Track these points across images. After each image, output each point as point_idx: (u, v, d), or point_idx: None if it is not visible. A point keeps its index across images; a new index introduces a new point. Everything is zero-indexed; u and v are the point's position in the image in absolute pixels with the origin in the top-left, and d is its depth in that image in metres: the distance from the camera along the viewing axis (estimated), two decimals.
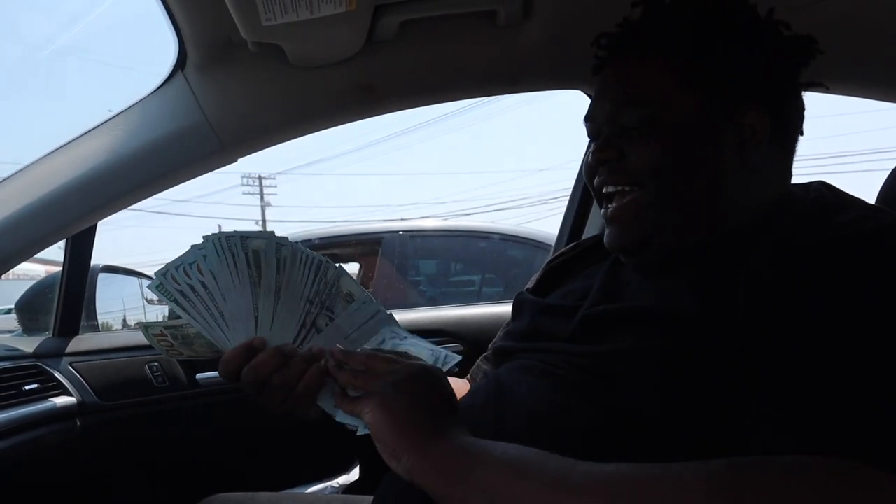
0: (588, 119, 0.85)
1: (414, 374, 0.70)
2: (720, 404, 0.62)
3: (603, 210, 0.82)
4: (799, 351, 0.58)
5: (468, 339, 1.68)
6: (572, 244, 1.03)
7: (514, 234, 3.51)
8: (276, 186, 29.42)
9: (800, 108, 0.81)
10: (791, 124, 0.80)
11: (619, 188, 0.78)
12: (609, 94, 0.80)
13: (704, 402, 0.62)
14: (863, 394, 0.54)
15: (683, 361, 0.64)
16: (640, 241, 0.78)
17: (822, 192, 0.74)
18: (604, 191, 0.80)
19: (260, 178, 27.80)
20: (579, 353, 0.73)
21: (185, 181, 1.23)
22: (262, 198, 27.63)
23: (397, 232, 3.54)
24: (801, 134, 0.81)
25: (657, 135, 0.75)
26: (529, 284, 1.01)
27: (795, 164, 0.83)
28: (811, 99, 0.85)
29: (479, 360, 1.00)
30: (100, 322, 1.75)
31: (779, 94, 0.78)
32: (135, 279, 2.07)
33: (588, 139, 0.87)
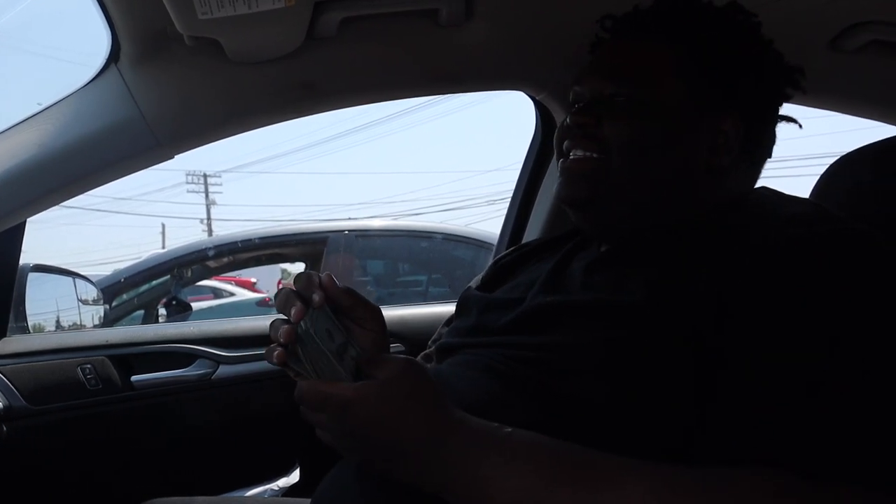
0: (576, 83, 0.88)
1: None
2: (665, 398, 0.63)
3: (562, 163, 0.85)
4: (760, 355, 0.59)
5: (409, 338, 1.66)
6: (522, 244, 1.05)
7: (458, 233, 3.53)
8: (221, 185, 28.93)
9: (772, 133, 0.86)
10: (762, 144, 0.84)
11: (587, 154, 0.81)
12: (601, 66, 0.84)
13: (649, 395, 0.64)
14: (820, 407, 0.55)
15: (628, 354, 0.66)
16: (588, 198, 0.81)
17: (766, 193, 0.79)
18: (571, 154, 0.83)
19: (205, 175, 27.22)
20: (522, 346, 0.74)
21: (119, 178, 1.19)
22: (207, 196, 27.06)
23: (343, 231, 3.52)
24: (770, 157, 0.86)
25: (636, 111, 0.79)
26: (474, 282, 1.01)
27: None
28: None
29: (418, 358, 1.00)
30: (30, 324, 1.68)
31: (760, 112, 0.83)
32: (69, 279, 2.00)
33: (569, 105, 0.88)
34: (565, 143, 0.84)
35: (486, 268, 1.03)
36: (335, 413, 0.60)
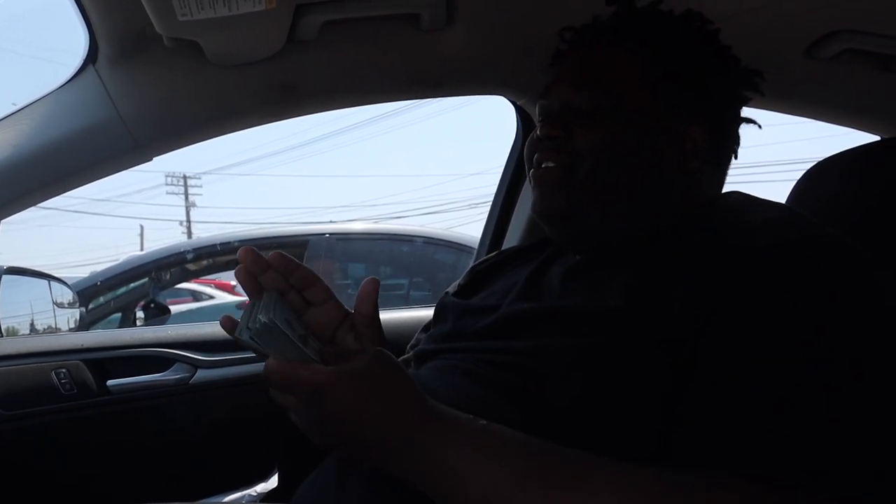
0: (542, 97, 0.88)
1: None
2: (642, 402, 0.63)
3: (533, 173, 0.84)
4: (737, 362, 0.59)
5: (390, 342, 1.64)
6: (499, 251, 1.05)
7: (439, 237, 3.53)
8: (201, 187, 28.62)
9: (735, 136, 0.87)
10: (726, 148, 0.86)
11: (556, 165, 0.80)
12: (568, 75, 0.84)
13: (626, 399, 0.64)
14: (798, 416, 0.55)
15: (606, 358, 0.66)
16: (566, 210, 0.80)
17: (739, 198, 0.79)
18: (542, 166, 0.82)
19: (185, 177, 27.01)
20: (500, 351, 0.74)
21: (96, 180, 1.18)
22: (186, 198, 26.85)
23: (324, 235, 3.51)
24: (736, 158, 0.88)
25: (607, 119, 0.79)
26: (451, 288, 1.01)
27: None
28: None
29: None
30: (3, 327, 1.66)
31: (723, 115, 0.84)
32: (44, 281, 1.98)
33: (537, 118, 0.89)
34: (536, 155, 0.84)
35: (463, 275, 1.03)
36: (306, 397, 0.60)
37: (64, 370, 1.43)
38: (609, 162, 0.79)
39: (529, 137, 0.87)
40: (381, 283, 0.80)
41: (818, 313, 0.59)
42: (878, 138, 1.43)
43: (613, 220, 0.81)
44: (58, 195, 1.17)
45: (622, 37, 0.83)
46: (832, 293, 0.60)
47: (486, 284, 0.96)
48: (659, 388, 0.63)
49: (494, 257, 1.03)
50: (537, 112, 0.88)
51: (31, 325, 1.97)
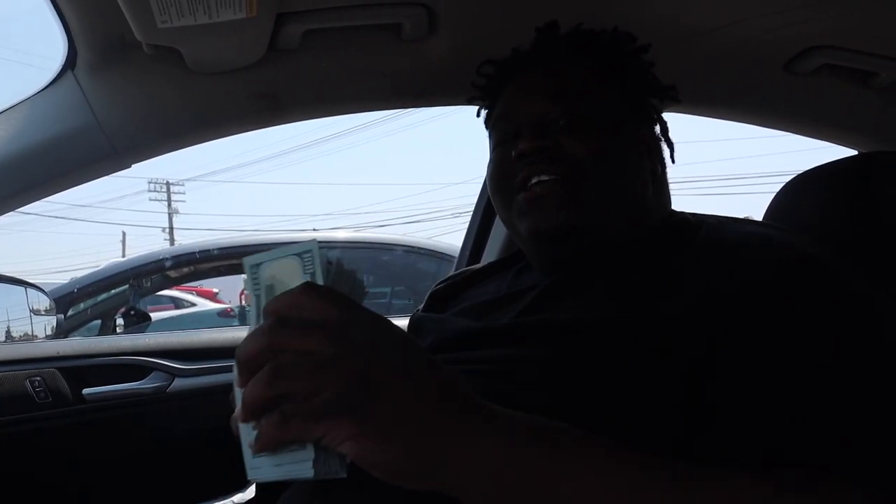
0: (503, 118, 0.87)
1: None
2: (633, 409, 0.63)
3: (525, 195, 0.80)
4: (748, 365, 0.59)
5: None
6: (458, 271, 1.06)
7: (420, 246, 3.53)
8: (184, 193, 28.56)
9: (669, 141, 0.91)
10: (662, 153, 0.89)
11: (553, 177, 0.78)
12: (537, 90, 0.83)
13: (616, 406, 0.63)
14: (825, 406, 0.56)
15: (594, 366, 0.66)
16: (571, 224, 0.78)
17: (721, 217, 0.80)
18: (533, 180, 0.79)
19: (168, 183, 26.89)
20: (483, 361, 0.74)
21: (74, 186, 1.17)
22: (169, 204, 26.71)
23: None
24: (673, 162, 0.90)
25: (590, 125, 0.80)
26: (420, 307, 1.02)
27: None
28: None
29: None
30: None
31: (659, 123, 0.89)
32: (20, 288, 1.95)
33: (499, 140, 0.87)
34: (522, 174, 0.80)
35: (425, 300, 1.03)
36: (338, 322, 0.49)
37: (39, 378, 1.40)
38: (607, 165, 0.79)
39: (500, 160, 0.85)
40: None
41: (827, 322, 0.60)
42: (855, 152, 1.45)
43: (608, 228, 0.81)
44: (35, 201, 1.15)
45: (578, 55, 0.85)
46: (835, 301, 0.62)
47: (457, 301, 0.96)
48: (660, 396, 0.63)
49: (455, 277, 1.03)
50: (502, 133, 0.86)
51: (7, 332, 1.94)
